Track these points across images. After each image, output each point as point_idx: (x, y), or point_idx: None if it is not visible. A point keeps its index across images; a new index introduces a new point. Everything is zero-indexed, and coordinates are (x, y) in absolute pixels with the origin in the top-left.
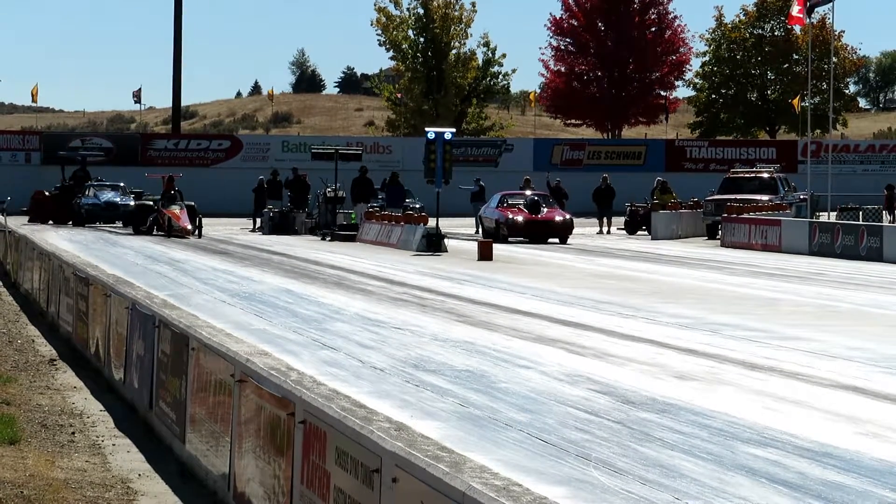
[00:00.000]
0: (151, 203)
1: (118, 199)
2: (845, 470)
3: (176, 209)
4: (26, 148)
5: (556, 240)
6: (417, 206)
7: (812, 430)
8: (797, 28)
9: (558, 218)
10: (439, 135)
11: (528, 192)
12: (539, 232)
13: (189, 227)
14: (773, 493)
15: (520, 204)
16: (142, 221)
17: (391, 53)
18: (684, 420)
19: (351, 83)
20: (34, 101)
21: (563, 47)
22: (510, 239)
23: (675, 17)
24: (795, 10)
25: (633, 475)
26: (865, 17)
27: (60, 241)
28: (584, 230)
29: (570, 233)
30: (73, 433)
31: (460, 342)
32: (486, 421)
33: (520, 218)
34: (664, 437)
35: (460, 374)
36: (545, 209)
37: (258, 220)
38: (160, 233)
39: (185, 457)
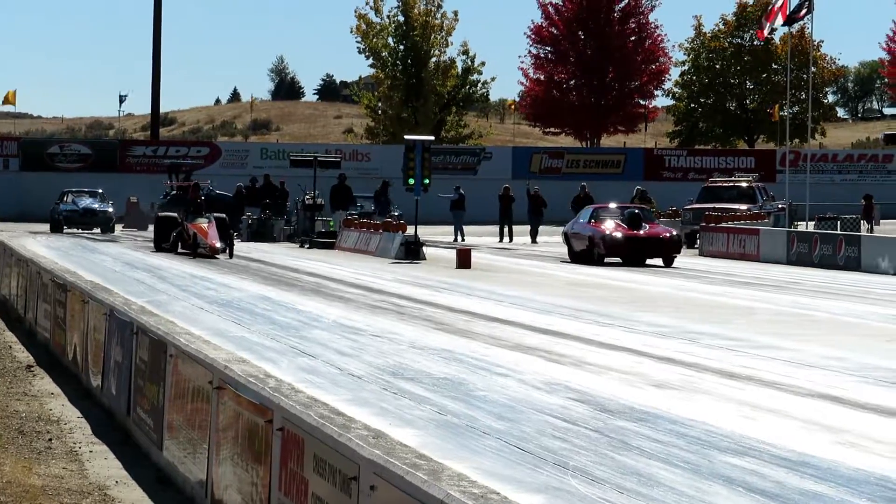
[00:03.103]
0: (175, 215)
1: (96, 206)
2: (822, 479)
3: (203, 223)
4: (5, 154)
5: (659, 261)
6: (396, 213)
7: (789, 439)
8: (776, 36)
9: (665, 234)
10: (418, 142)
11: (613, 205)
12: (642, 250)
13: (218, 244)
14: (751, 501)
15: (616, 218)
16: (164, 237)
17: (371, 61)
18: (662, 429)
19: (330, 90)
20: (11, 104)
21: (542, 55)
22: (606, 260)
23: (656, 26)
24: (767, 29)
25: (611, 484)
26: (844, 27)
27: (38, 247)
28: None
29: (679, 252)
30: (51, 440)
31: (438, 350)
32: (464, 429)
33: (619, 234)
34: (642, 446)
35: (438, 381)
36: (646, 224)
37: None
38: (185, 251)
39: (162, 464)
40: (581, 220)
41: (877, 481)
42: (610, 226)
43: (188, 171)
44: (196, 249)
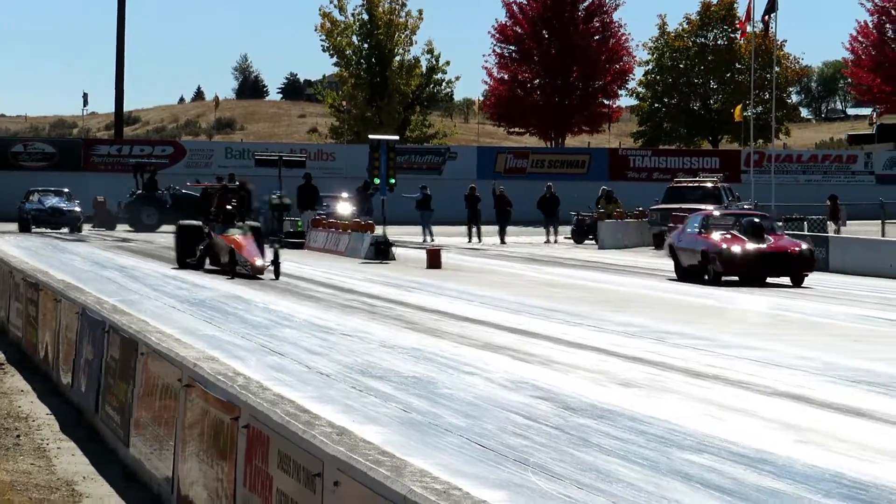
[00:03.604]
0: (199, 224)
1: (64, 206)
2: (780, 476)
3: (237, 235)
4: None
5: (787, 280)
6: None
7: (751, 437)
8: (739, 35)
9: (793, 248)
10: (383, 142)
11: (717, 212)
12: (768, 267)
13: (260, 262)
14: (707, 497)
15: (732, 228)
16: (188, 251)
17: (335, 59)
18: (623, 426)
19: (294, 89)
20: None
21: (506, 55)
22: (723, 279)
23: (619, 25)
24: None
25: (570, 479)
26: (808, 27)
27: (8, 246)
28: (531, 239)
29: (811, 269)
30: (19, 436)
31: (408, 349)
32: (428, 426)
33: (738, 249)
34: (602, 443)
35: (406, 380)
36: (769, 236)
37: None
38: (215, 267)
39: (129, 460)
40: (689, 231)
41: (832, 477)
42: (726, 238)
43: (153, 171)
44: (234, 268)
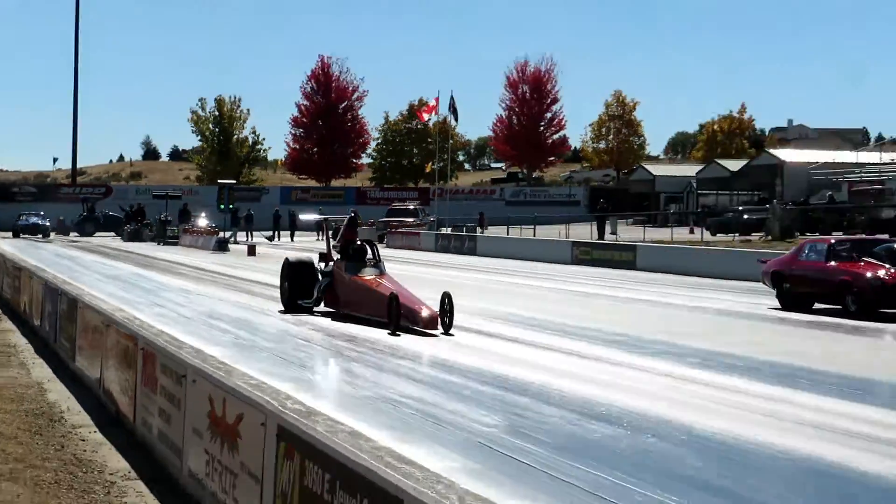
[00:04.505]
0: (311, 262)
1: (40, 222)
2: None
3: (374, 276)
4: None
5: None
6: (213, 225)
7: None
8: (431, 123)
9: None
10: (226, 184)
11: (834, 238)
12: None
13: (427, 312)
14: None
15: (858, 255)
16: (301, 291)
17: (199, 137)
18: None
19: (176, 154)
20: None
21: (298, 134)
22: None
23: (362, 116)
24: (427, 118)
25: (338, 377)
26: (470, 114)
27: (5, 246)
28: (310, 239)
29: None
30: (10, 356)
31: (235, 302)
32: (250, 348)
33: (881, 273)
34: (350, 354)
35: (235, 320)
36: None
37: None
38: (330, 309)
39: (75, 370)
40: (805, 258)
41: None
42: (867, 265)
43: (93, 202)
44: (398, 321)
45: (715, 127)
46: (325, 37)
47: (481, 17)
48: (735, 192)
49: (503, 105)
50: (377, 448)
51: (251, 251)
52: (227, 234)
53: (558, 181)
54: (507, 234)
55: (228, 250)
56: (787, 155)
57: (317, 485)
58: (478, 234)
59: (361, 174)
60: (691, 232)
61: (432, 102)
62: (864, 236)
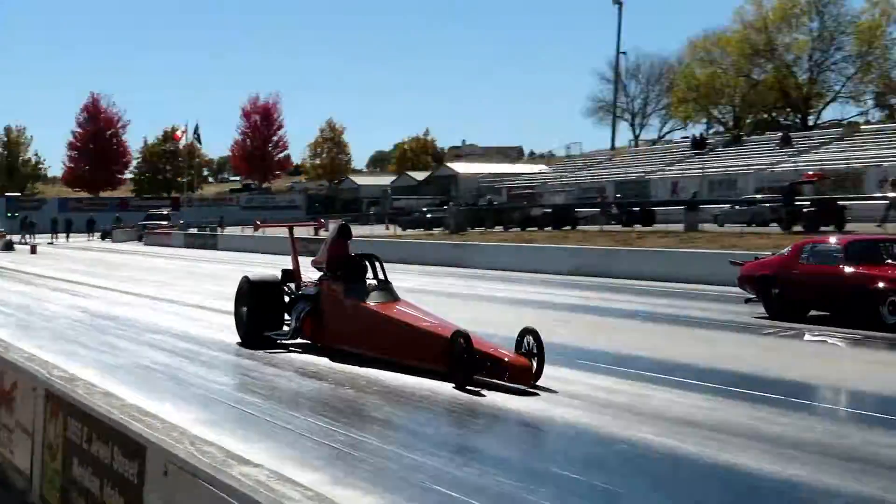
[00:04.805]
0: (278, 282)
1: None
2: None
3: (382, 299)
4: None
5: None
6: (2, 230)
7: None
8: (181, 144)
9: None
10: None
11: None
12: None
13: (510, 355)
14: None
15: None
16: (265, 319)
17: None
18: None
19: None
20: None
21: (73, 155)
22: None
23: (125, 140)
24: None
25: (98, 347)
26: (215, 133)
27: None
28: (81, 238)
29: None
30: None
31: (17, 291)
32: (33, 328)
33: None
34: (118, 333)
35: (18, 307)
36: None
37: None
38: (314, 343)
39: None
40: (808, 261)
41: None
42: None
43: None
44: (468, 372)
45: (406, 146)
46: (96, 69)
47: (225, 59)
48: (421, 197)
49: (239, 130)
50: (126, 405)
51: (33, 250)
52: (17, 237)
53: (283, 190)
54: (242, 232)
55: (14, 250)
56: (461, 167)
57: (77, 436)
58: (218, 233)
59: (125, 186)
60: (387, 228)
61: (181, 129)
62: (884, 235)
